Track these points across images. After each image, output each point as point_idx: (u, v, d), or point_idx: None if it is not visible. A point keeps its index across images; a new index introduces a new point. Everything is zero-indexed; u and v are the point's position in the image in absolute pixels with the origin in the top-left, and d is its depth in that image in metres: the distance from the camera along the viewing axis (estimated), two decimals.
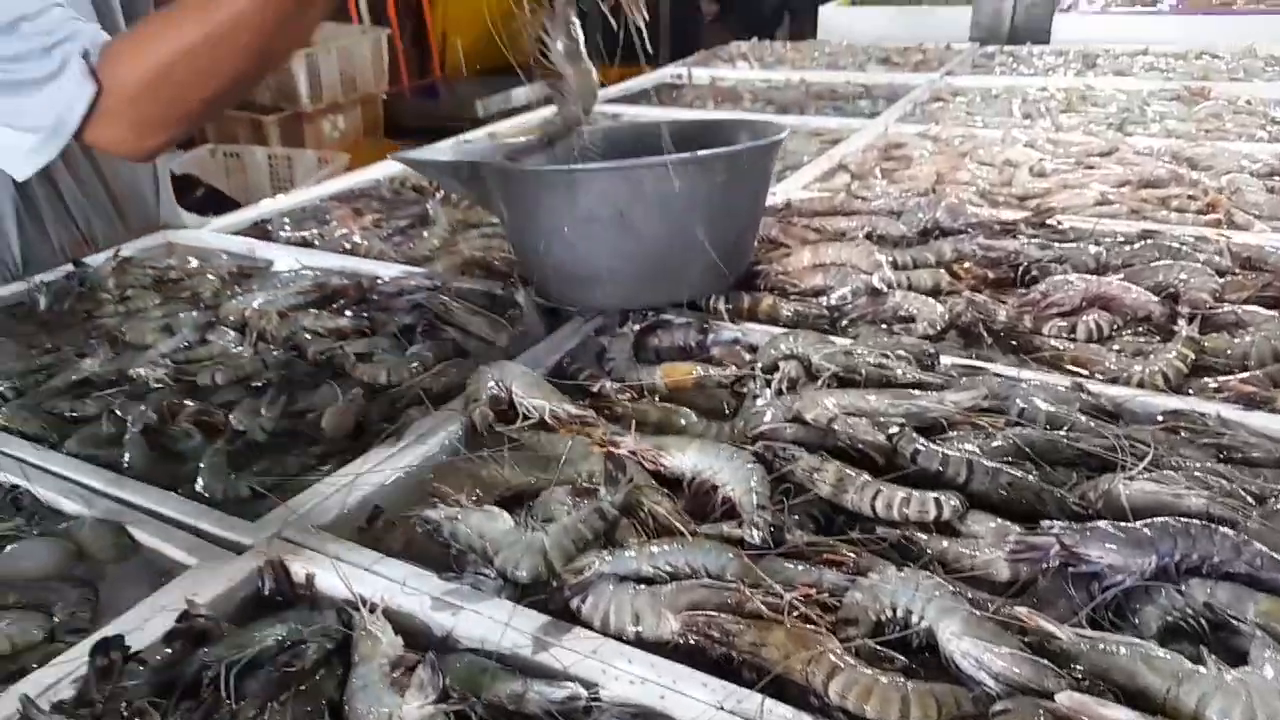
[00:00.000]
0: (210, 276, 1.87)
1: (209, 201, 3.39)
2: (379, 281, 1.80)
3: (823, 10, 4.78)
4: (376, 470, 1.21)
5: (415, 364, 1.43)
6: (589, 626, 0.95)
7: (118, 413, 1.35)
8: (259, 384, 1.45)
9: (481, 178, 1.60)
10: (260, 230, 2.18)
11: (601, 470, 1.16)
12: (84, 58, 1.30)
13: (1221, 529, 0.97)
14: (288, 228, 2.16)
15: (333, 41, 4.38)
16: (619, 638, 0.93)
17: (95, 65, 1.30)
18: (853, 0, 5.04)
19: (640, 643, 0.93)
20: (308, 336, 1.57)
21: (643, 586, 0.97)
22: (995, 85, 3.23)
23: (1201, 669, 0.82)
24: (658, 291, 1.56)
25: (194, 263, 1.96)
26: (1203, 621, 0.92)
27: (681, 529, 1.05)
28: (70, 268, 1.90)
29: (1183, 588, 0.94)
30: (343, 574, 1.02)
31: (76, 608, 1.02)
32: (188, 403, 1.38)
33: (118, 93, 1.30)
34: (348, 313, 1.66)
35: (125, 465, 1.26)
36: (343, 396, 1.37)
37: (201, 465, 1.23)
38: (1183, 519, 0.98)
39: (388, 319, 1.61)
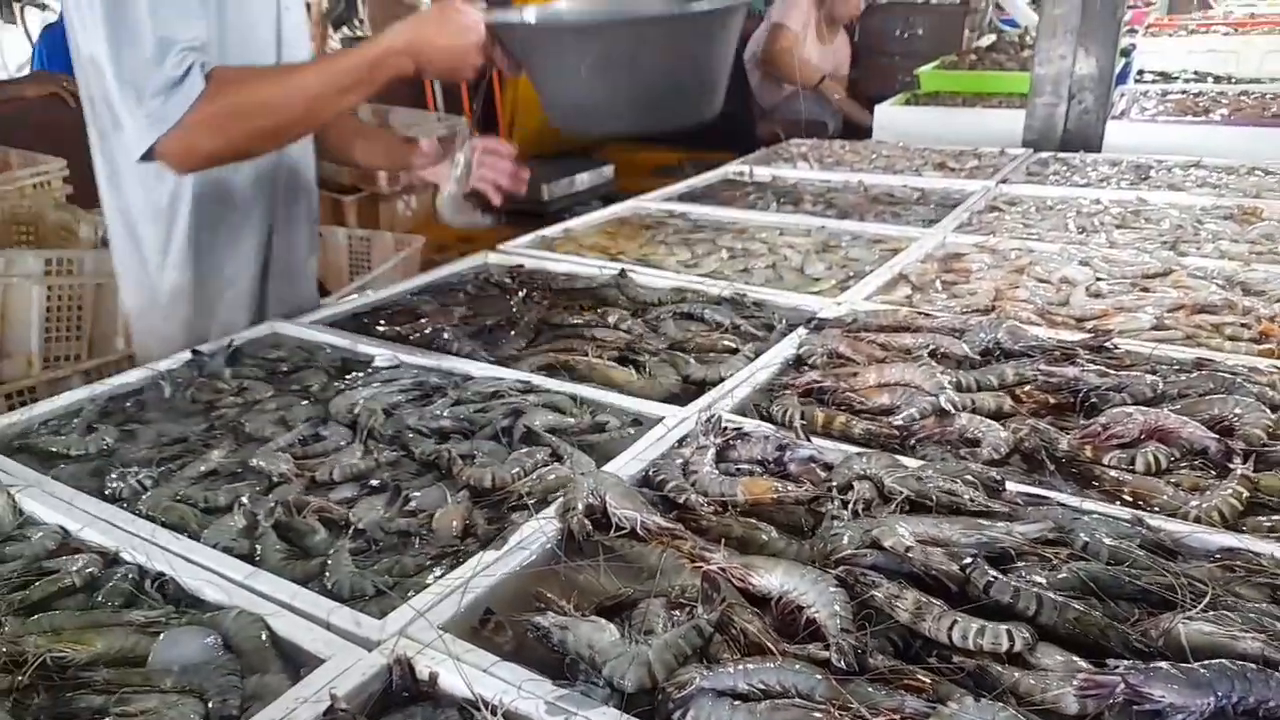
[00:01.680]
0: (318, 369, 2.02)
1: None
2: (472, 381, 1.95)
3: (879, 109, 4.97)
4: (485, 574, 1.33)
5: (516, 469, 1.56)
6: None
7: (247, 504, 1.49)
8: (373, 483, 1.57)
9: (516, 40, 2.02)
10: (357, 323, 2.34)
11: (691, 583, 1.27)
12: (203, 70, 1.83)
13: (1277, 674, 1.05)
14: (383, 323, 2.32)
15: (414, 129, 4.64)
16: None
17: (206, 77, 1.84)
18: (907, 100, 5.23)
19: None
20: (411, 436, 1.70)
21: (739, 703, 1.07)
22: (1050, 195, 3.34)
23: None
24: (649, 119, 2.05)
25: (299, 354, 2.12)
26: None
27: (771, 648, 1.15)
28: (189, 356, 2.08)
29: None
30: (465, 675, 1.13)
31: (228, 694, 1.14)
32: (310, 498, 1.51)
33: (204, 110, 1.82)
34: (446, 413, 1.79)
35: (257, 557, 1.39)
36: (451, 498, 1.50)
37: (329, 562, 1.35)
38: (1239, 662, 1.06)
39: (486, 420, 1.74)
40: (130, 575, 1.35)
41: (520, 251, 2.86)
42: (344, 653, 1.18)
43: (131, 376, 2.02)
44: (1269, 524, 1.40)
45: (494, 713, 1.07)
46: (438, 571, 1.35)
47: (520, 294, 2.49)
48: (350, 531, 1.43)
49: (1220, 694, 1.03)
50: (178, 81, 1.79)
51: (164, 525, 1.45)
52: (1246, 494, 1.44)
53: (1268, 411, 1.66)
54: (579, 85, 1.94)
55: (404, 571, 1.35)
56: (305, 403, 1.88)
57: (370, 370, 2.04)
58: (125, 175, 2.11)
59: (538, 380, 1.94)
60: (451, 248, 3.75)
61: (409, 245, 3.80)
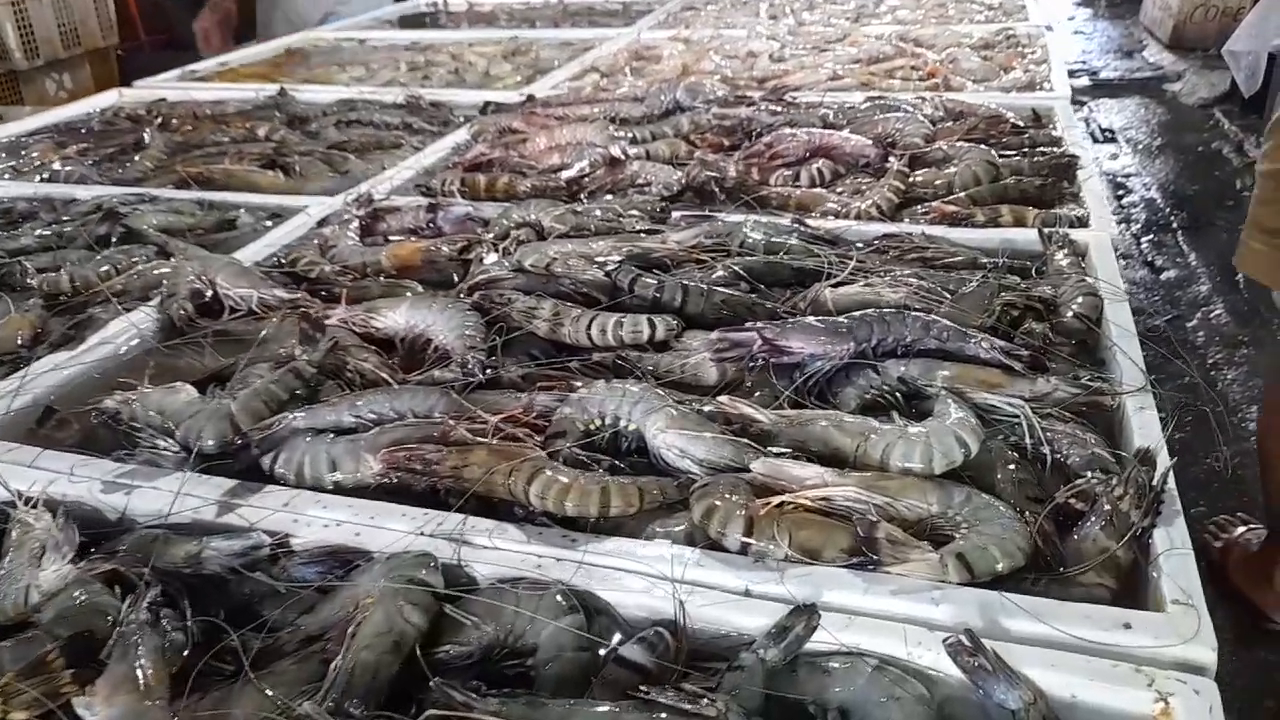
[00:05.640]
0: None
1: None
2: (76, 202, 1.61)
3: None
4: (52, 371, 1.07)
5: (105, 268, 1.29)
6: (284, 483, 0.88)
7: None
8: None
9: None
10: None
11: (300, 341, 1.08)
12: None
13: (913, 313, 1.01)
14: None
15: None
16: (316, 489, 0.87)
17: None
18: None
19: (340, 490, 0.86)
20: None
21: (343, 437, 0.90)
22: None
23: (886, 426, 0.85)
24: None
25: None
26: (898, 395, 0.95)
27: (388, 379, 0.99)
28: None
29: (880, 367, 0.97)
30: None
31: None
32: None
33: None
34: (37, 232, 1.47)
35: None
36: (16, 307, 1.21)
37: None
38: (879, 309, 1.02)
39: (78, 233, 1.43)
40: None
41: (162, 85, 2.46)
42: None
43: None
44: (922, 210, 1.38)
45: (29, 503, 0.84)
46: None
47: (155, 123, 2.12)
48: None
49: (860, 338, 0.97)
50: None
51: None
52: (901, 188, 1.42)
53: (926, 123, 1.66)
54: None
55: None
56: None
57: None
58: None
59: (159, 193, 1.63)
60: None
61: None
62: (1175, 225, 4.06)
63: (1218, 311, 3.27)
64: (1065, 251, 1.20)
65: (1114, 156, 5.08)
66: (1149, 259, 3.75)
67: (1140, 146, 5.12)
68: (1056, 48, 2.24)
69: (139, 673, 0.66)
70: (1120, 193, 4.47)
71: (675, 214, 1.39)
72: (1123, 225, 4.05)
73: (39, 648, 0.68)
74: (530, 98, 2.00)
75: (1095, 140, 5.10)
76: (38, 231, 1.45)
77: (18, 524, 0.82)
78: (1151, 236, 4.01)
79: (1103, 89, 5.95)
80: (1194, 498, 2.33)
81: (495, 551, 0.77)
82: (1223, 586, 1.58)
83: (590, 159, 1.59)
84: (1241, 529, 1.95)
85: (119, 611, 0.72)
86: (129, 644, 0.68)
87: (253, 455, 0.88)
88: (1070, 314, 1.06)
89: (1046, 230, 1.25)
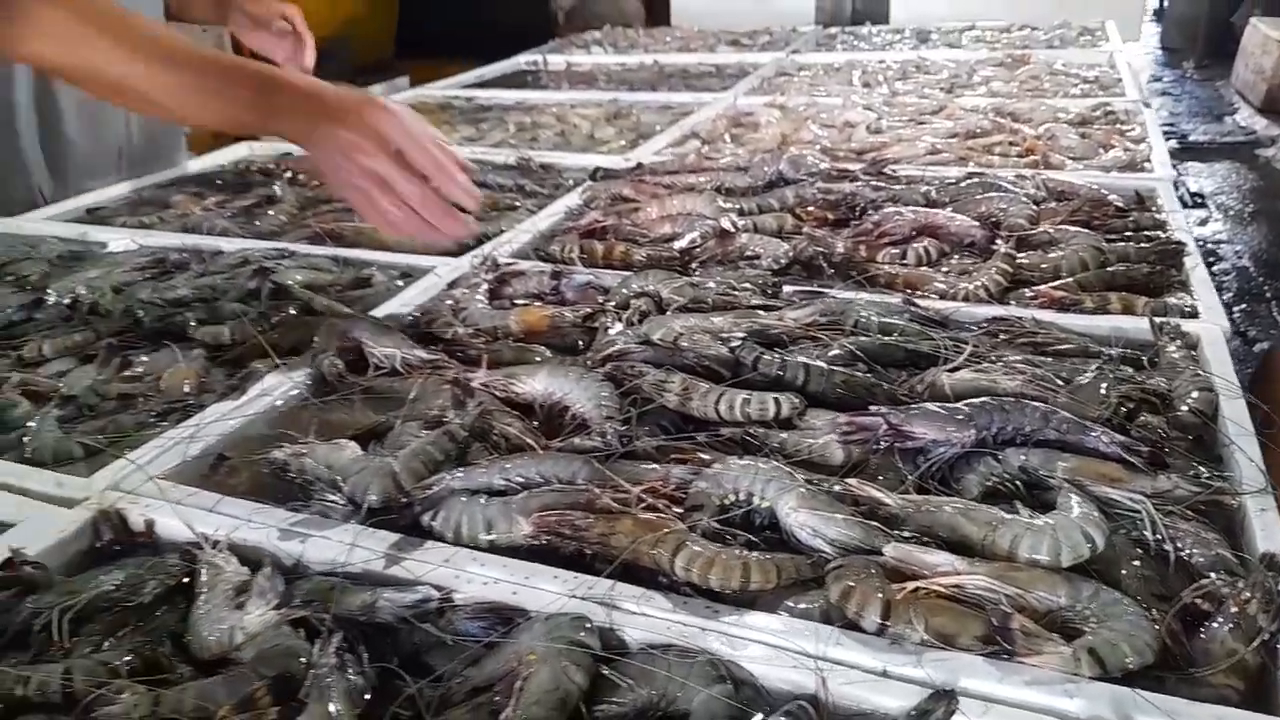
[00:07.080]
0: (36, 260, 1.76)
1: None
2: (222, 255, 1.75)
3: None
4: (220, 421, 1.17)
5: (261, 324, 1.40)
6: (442, 540, 0.95)
7: None
8: (93, 353, 1.37)
9: None
10: (95, 218, 2.07)
11: (452, 404, 1.16)
12: None
13: (1032, 403, 1.05)
14: (125, 215, 2.06)
15: None
16: (473, 547, 0.94)
17: None
18: None
19: (494, 549, 0.94)
20: (143, 309, 1.50)
21: (494, 498, 0.98)
22: (837, 60, 3.37)
23: (1011, 516, 0.89)
24: None
25: (17, 249, 1.85)
26: (1018, 483, 0.99)
27: (533, 444, 1.06)
28: None
29: (1000, 455, 1.01)
30: (184, 516, 0.99)
31: None
32: (12, 375, 1.30)
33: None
34: (187, 285, 1.59)
35: None
36: (183, 358, 1.32)
37: (28, 428, 1.16)
38: (998, 398, 1.06)
39: (230, 286, 1.56)
40: None
41: None
42: (39, 515, 1.01)
43: None
44: (1030, 294, 1.42)
45: (215, 547, 0.93)
46: (164, 427, 1.18)
47: (285, 176, 2.27)
48: (58, 400, 1.24)
49: (980, 425, 1.02)
50: None
51: None
52: (1010, 270, 1.46)
53: (1030, 204, 1.70)
54: None
55: (121, 430, 1.17)
56: (20, 292, 1.62)
57: (103, 256, 1.79)
58: None
59: (297, 248, 1.76)
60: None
61: None
62: (1269, 295, 3.97)
63: None
64: (1178, 344, 1.23)
65: (1203, 222, 4.99)
66: (1241, 329, 3.68)
67: (1231, 213, 5.02)
68: (1155, 125, 2.26)
69: (335, 712, 0.73)
70: (1211, 260, 4.39)
71: (787, 288, 1.45)
72: None
73: (246, 685, 0.76)
74: (639, 165, 2.10)
75: (1184, 205, 5.03)
76: (194, 283, 1.58)
77: (207, 566, 0.91)
78: (1244, 306, 3.93)
79: (1191, 152, 5.87)
80: None
81: (643, 618, 0.83)
82: None
83: (701, 230, 1.67)
84: None
85: (309, 655, 0.80)
86: (324, 685, 0.75)
87: (415, 513, 0.96)
88: (1185, 408, 1.09)
89: (1158, 321, 1.28)
